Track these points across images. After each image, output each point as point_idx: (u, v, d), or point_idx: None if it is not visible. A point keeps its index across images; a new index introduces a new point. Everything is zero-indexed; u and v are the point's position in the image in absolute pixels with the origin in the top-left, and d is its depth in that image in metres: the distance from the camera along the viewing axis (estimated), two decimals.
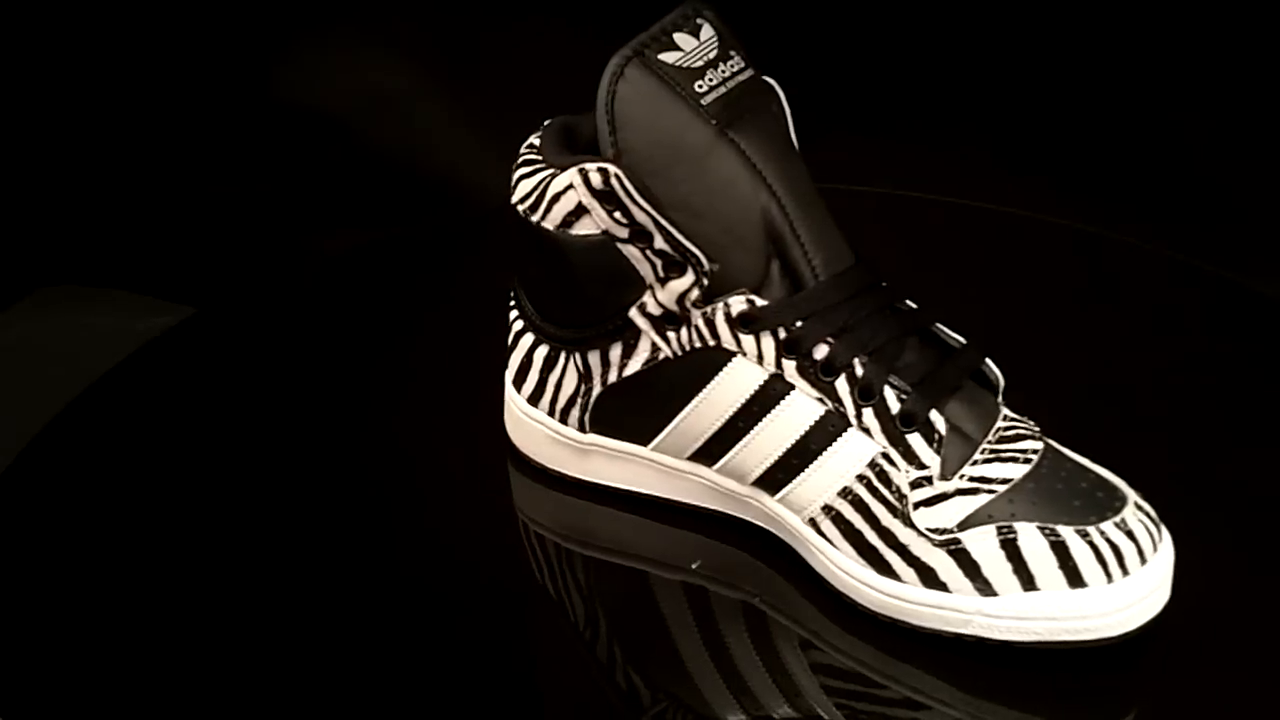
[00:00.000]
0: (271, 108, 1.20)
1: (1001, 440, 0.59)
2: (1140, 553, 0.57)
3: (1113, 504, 0.57)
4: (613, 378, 0.64)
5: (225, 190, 1.21)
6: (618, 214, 0.60)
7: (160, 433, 0.74)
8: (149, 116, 1.19)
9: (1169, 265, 0.86)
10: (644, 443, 0.65)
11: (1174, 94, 1.09)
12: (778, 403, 0.60)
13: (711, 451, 0.63)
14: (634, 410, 0.64)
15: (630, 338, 0.63)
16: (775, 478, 0.61)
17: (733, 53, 0.61)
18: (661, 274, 0.61)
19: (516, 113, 1.17)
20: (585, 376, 0.65)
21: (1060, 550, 0.57)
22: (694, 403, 0.62)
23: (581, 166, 0.60)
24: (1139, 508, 0.58)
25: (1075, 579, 0.56)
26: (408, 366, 0.78)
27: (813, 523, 0.61)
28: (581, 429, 0.66)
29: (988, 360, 0.61)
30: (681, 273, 0.61)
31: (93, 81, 1.17)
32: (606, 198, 0.60)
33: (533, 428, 0.67)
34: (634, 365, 0.64)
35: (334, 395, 0.76)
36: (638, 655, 0.61)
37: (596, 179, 0.60)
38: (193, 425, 0.74)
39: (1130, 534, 0.57)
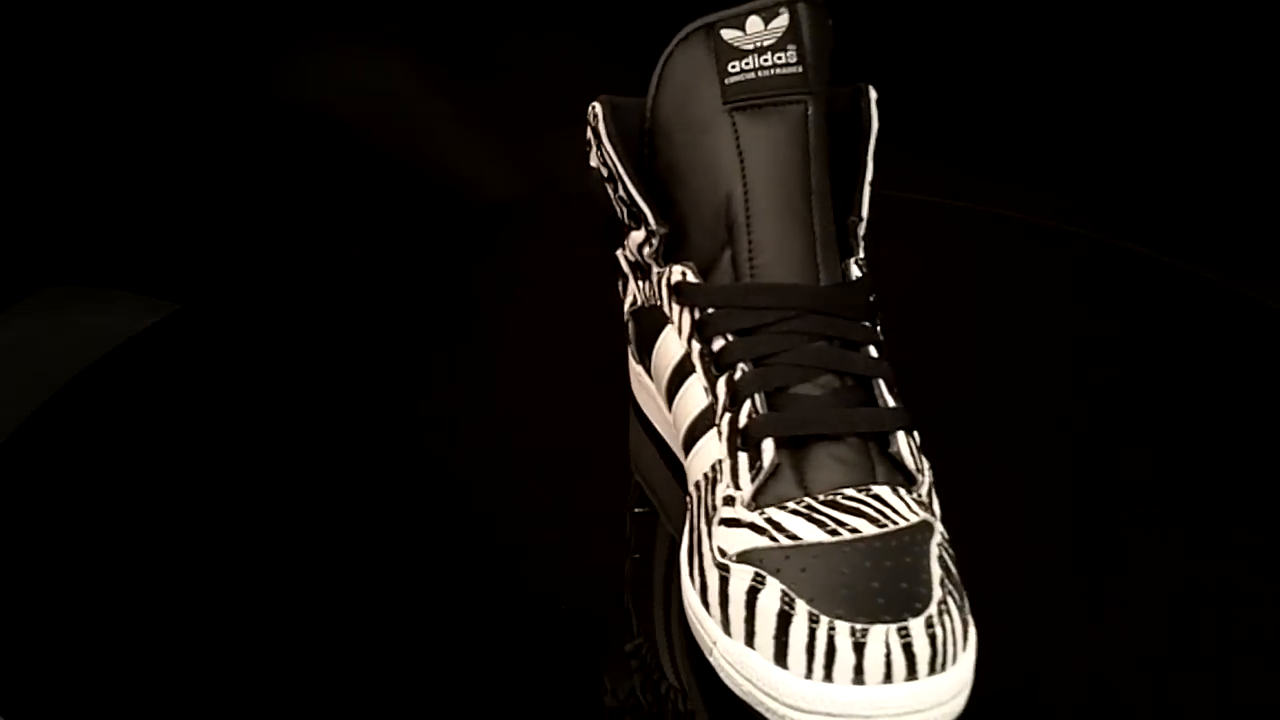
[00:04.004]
0: (271, 107, 1.19)
1: (831, 504, 0.55)
2: (858, 670, 0.51)
3: (879, 615, 0.52)
4: (625, 311, 0.68)
5: (225, 190, 1.21)
6: (598, 152, 0.64)
7: (150, 427, 0.74)
8: (149, 116, 1.19)
9: (1167, 271, 0.86)
10: (654, 384, 0.67)
11: (1173, 98, 1.09)
12: (686, 379, 0.62)
13: (669, 410, 0.65)
14: (642, 349, 0.67)
15: (623, 276, 0.67)
16: (684, 451, 0.63)
17: (790, 48, 0.61)
18: (627, 221, 0.64)
19: (515, 112, 1.18)
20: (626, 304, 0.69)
21: (783, 621, 0.53)
22: (653, 356, 0.65)
23: (591, 102, 0.64)
24: (903, 635, 0.52)
25: (780, 656, 0.53)
26: (405, 359, 0.79)
27: (685, 504, 0.62)
28: (634, 357, 0.69)
29: (900, 439, 0.57)
30: (639, 225, 0.63)
31: (93, 81, 1.17)
32: (595, 135, 0.64)
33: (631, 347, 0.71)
34: (627, 304, 0.67)
35: (330, 390, 0.77)
36: (594, 582, 0.64)
37: (591, 116, 0.64)
38: (182, 419, 0.75)
39: (859, 647, 0.51)
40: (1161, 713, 0.57)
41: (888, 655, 0.51)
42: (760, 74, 0.61)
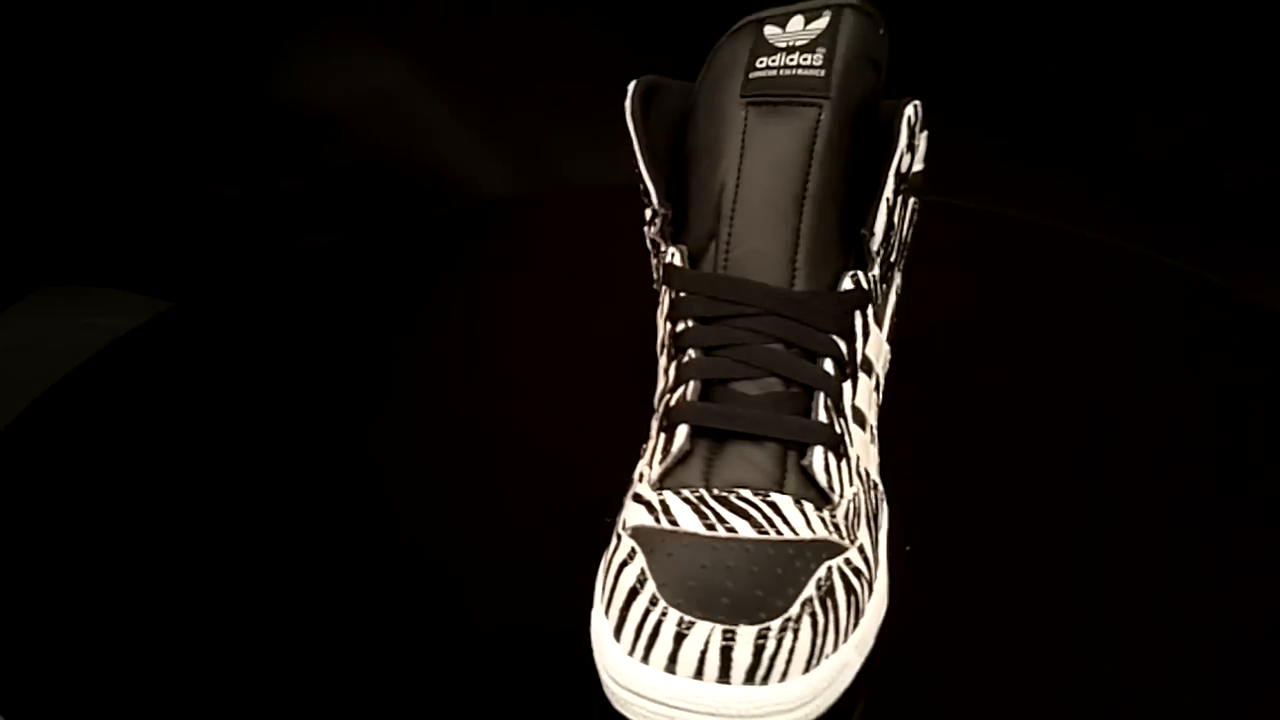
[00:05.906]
0: (270, 106, 1.20)
1: (721, 500, 0.55)
2: (672, 659, 0.51)
3: (715, 614, 0.52)
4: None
5: (224, 189, 1.21)
6: (628, 130, 0.63)
7: (145, 425, 0.74)
8: (148, 116, 1.19)
9: (1167, 271, 0.86)
10: None
11: (1173, 99, 1.09)
12: (660, 357, 0.62)
13: None
14: None
15: (648, 252, 0.67)
16: None
17: (820, 50, 0.61)
18: (644, 198, 0.64)
19: (514, 111, 1.18)
20: None
21: (630, 597, 0.53)
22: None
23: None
24: (727, 637, 0.51)
25: (618, 629, 0.53)
26: (402, 357, 0.79)
27: None
28: None
29: (818, 454, 0.56)
30: (649, 203, 0.63)
31: (91, 81, 1.17)
32: (626, 113, 0.63)
33: None
34: (653, 279, 0.67)
35: (329, 388, 0.76)
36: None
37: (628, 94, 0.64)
38: (178, 416, 0.75)
39: (679, 638, 0.51)
40: None
41: (704, 653, 0.51)
42: (782, 73, 0.60)
